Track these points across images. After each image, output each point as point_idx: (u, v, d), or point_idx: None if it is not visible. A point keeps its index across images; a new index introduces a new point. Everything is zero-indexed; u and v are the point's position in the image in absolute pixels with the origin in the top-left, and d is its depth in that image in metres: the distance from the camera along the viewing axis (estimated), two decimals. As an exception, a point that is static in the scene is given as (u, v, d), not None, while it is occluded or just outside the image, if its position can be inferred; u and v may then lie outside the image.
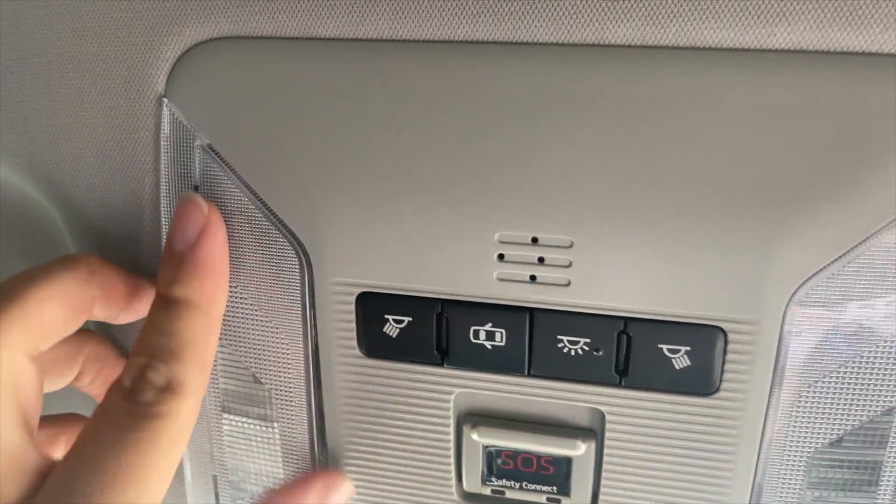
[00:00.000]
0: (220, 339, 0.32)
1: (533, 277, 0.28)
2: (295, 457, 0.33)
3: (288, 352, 0.31)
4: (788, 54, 0.24)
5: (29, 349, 0.26)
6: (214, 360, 0.32)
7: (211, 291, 0.28)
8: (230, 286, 0.31)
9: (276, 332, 0.31)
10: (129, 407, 0.25)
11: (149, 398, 0.25)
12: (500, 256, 0.28)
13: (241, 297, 0.31)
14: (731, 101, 0.25)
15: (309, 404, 0.32)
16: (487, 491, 0.32)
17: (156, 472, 0.25)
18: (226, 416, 0.33)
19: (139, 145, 0.30)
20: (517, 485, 0.32)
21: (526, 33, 0.26)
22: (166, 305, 0.27)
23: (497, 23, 0.26)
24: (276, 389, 0.32)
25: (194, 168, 0.30)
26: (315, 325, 0.31)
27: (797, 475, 0.28)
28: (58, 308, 0.27)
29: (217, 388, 0.33)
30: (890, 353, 0.26)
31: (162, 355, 0.26)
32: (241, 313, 0.31)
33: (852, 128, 0.24)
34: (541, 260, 0.27)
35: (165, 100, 0.30)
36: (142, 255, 0.32)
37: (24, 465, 0.25)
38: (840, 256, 0.25)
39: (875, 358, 0.26)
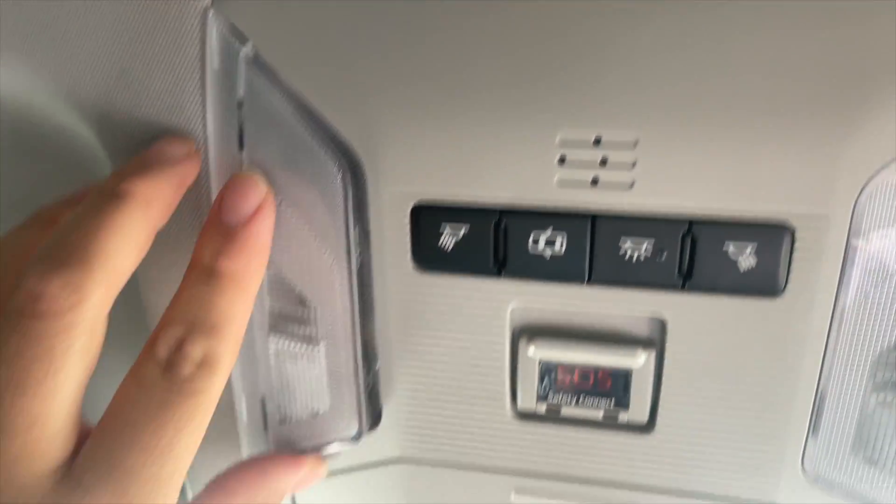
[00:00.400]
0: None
1: (595, 180, 0.27)
2: (340, 379, 0.32)
3: (333, 270, 0.31)
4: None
5: (107, 307, 0.25)
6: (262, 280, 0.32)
7: (255, 270, 0.28)
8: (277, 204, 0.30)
9: (321, 251, 0.31)
10: (167, 383, 0.25)
11: (186, 373, 0.25)
12: (561, 160, 0.27)
13: (285, 216, 0.30)
14: None
15: (353, 324, 0.31)
16: (542, 409, 0.32)
17: (189, 447, 0.25)
18: (272, 336, 0.33)
19: (186, 59, 0.30)
20: (573, 400, 0.31)
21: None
22: (208, 277, 0.27)
23: None
24: (321, 309, 0.31)
25: (239, 82, 0.30)
26: (360, 242, 0.30)
27: (861, 378, 0.28)
28: (133, 259, 0.26)
29: (263, 309, 0.32)
30: (961, 246, 0.26)
31: (202, 327, 0.26)
32: (286, 232, 0.31)
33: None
34: (603, 161, 0.27)
35: (211, 10, 0.29)
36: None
37: (72, 427, 0.25)
38: (913, 146, 0.25)
39: (945, 252, 0.26)
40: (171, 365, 0.25)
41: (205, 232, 0.28)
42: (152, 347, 0.25)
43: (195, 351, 0.25)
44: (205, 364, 0.25)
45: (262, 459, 0.32)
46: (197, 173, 0.29)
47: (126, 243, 0.25)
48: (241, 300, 0.27)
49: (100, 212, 0.25)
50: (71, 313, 0.24)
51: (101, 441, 0.25)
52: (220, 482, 0.30)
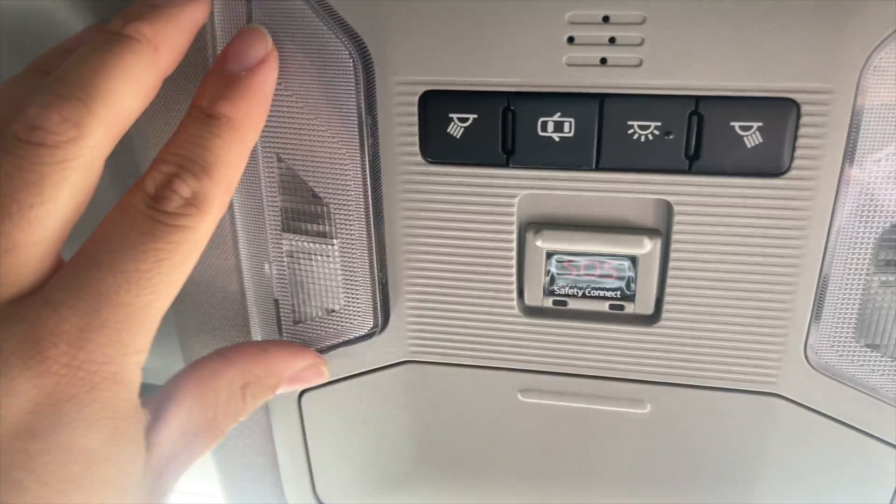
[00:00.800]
0: (279, 154, 0.31)
1: (604, 60, 0.27)
2: (355, 275, 0.32)
3: (346, 164, 0.31)
4: None
5: (106, 150, 0.25)
6: (272, 176, 0.32)
7: (255, 119, 0.28)
8: (285, 96, 0.30)
9: (333, 143, 0.31)
10: (152, 213, 0.25)
11: (173, 207, 0.25)
12: (570, 39, 0.27)
13: (296, 108, 0.30)
14: None
15: (367, 219, 0.31)
16: (549, 303, 0.32)
17: (168, 283, 0.25)
18: (286, 235, 0.33)
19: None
20: (580, 292, 0.32)
21: None
22: (206, 119, 0.26)
23: None
24: (335, 204, 0.32)
25: None
26: (373, 133, 0.30)
27: (865, 259, 0.29)
28: (138, 104, 0.26)
29: (275, 207, 0.32)
30: (963, 119, 0.26)
31: (193, 168, 0.25)
32: (297, 125, 0.31)
33: None
34: (612, 40, 0.27)
35: None
36: (188, 64, 0.31)
37: (50, 259, 0.24)
38: (916, 16, 0.25)
39: (947, 126, 0.26)
40: (158, 199, 0.25)
41: (206, 79, 0.28)
42: (142, 182, 0.25)
43: (183, 188, 0.25)
44: (193, 202, 0.25)
45: (265, 341, 0.32)
46: (207, 16, 0.28)
47: (131, 85, 0.25)
48: (237, 146, 0.27)
49: (105, 52, 0.25)
50: (68, 147, 0.23)
51: (76, 264, 0.24)
52: (221, 350, 0.30)
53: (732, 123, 0.27)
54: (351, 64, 0.29)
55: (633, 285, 0.31)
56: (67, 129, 0.23)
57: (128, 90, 0.25)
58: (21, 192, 0.23)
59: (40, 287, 0.24)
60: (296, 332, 0.34)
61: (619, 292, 0.31)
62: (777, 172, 0.28)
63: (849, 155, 0.27)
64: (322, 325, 0.34)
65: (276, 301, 0.35)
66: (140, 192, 0.25)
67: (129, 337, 0.24)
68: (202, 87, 0.27)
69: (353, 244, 0.32)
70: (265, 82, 0.28)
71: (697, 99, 0.27)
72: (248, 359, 0.31)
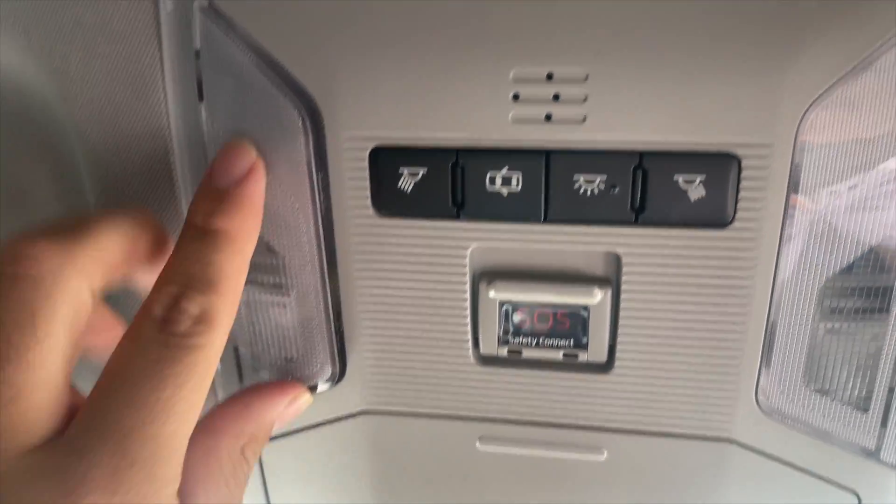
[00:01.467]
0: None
1: (549, 116, 0.28)
2: (311, 325, 0.32)
3: (299, 218, 0.31)
4: None
5: (93, 283, 0.25)
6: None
7: (250, 230, 0.28)
8: None
9: (285, 197, 0.31)
10: (164, 338, 0.24)
11: (184, 329, 0.24)
12: (515, 96, 0.28)
13: (250, 164, 0.31)
14: None
15: (322, 271, 0.32)
16: (504, 352, 0.32)
17: (191, 406, 0.24)
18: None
19: (140, 10, 0.30)
20: (534, 342, 0.32)
21: None
22: (203, 236, 0.27)
23: None
24: (290, 257, 0.32)
25: (195, 32, 0.30)
26: (324, 189, 0.30)
27: (810, 306, 0.29)
28: (123, 249, 0.27)
29: (229, 260, 0.32)
30: (898, 171, 0.27)
31: (198, 285, 0.25)
32: (251, 181, 0.31)
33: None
34: (556, 97, 0.28)
35: None
36: (144, 125, 0.32)
37: (60, 400, 0.24)
38: (848, 73, 0.26)
39: (884, 179, 0.27)
40: (167, 321, 0.24)
41: (196, 197, 0.28)
42: (148, 307, 0.25)
43: (192, 307, 0.25)
44: (202, 319, 0.25)
45: (242, 393, 0.31)
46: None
47: (116, 231, 0.26)
48: (237, 258, 0.27)
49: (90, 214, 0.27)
50: (53, 276, 0.23)
51: (96, 403, 0.24)
52: (205, 423, 0.30)
53: (676, 177, 0.28)
54: (300, 120, 0.29)
55: (585, 334, 0.31)
56: (50, 256, 0.24)
57: (115, 236, 0.27)
58: (16, 334, 0.23)
59: (59, 432, 0.23)
60: (256, 379, 0.34)
61: (572, 341, 0.32)
62: (721, 224, 0.28)
63: (790, 206, 0.28)
64: (282, 372, 0.34)
65: (236, 349, 0.35)
66: (148, 317, 0.25)
67: (160, 470, 0.23)
68: (194, 204, 0.28)
69: (307, 296, 0.32)
70: (255, 193, 0.28)
71: (641, 154, 0.28)
72: (235, 422, 0.30)
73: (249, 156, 0.29)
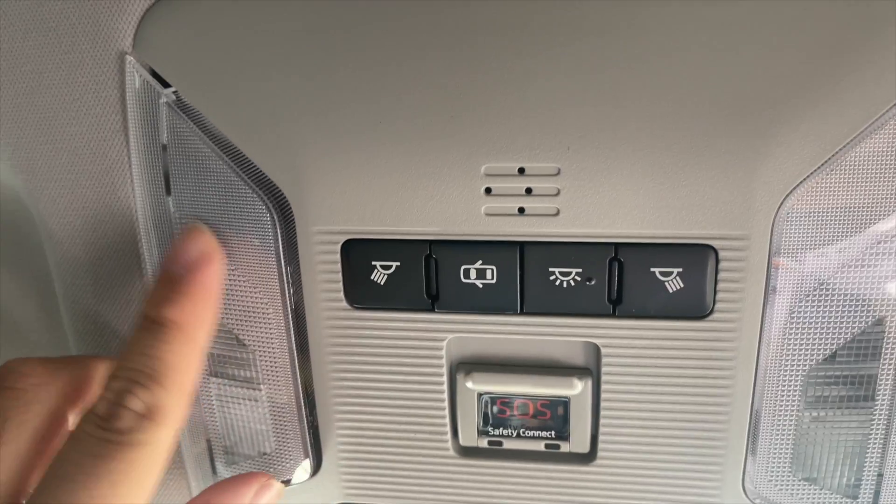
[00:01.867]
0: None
1: (521, 209, 0.27)
2: (284, 419, 0.32)
3: (268, 311, 0.30)
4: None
5: (73, 403, 0.27)
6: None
7: (202, 318, 0.27)
8: None
9: (255, 292, 0.30)
10: (103, 433, 0.24)
11: (125, 425, 0.24)
12: (488, 190, 0.27)
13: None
14: (704, 19, 0.25)
15: (293, 364, 0.31)
16: (484, 443, 0.31)
17: (129, 502, 0.23)
18: (213, 379, 0.32)
19: (105, 105, 0.29)
20: (514, 433, 0.31)
21: (501, -37, 0.26)
22: (153, 328, 0.26)
23: None
24: (260, 351, 0.31)
25: (161, 127, 0.29)
26: (294, 282, 0.30)
27: (794, 395, 0.28)
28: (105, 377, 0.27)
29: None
30: (877, 261, 0.26)
31: (143, 379, 0.25)
32: (221, 274, 0.30)
33: (824, 36, 0.25)
34: (528, 191, 0.27)
35: (129, 57, 0.29)
36: (112, 222, 0.31)
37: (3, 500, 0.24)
38: (822, 165, 0.26)
39: (863, 267, 0.27)
40: (108, 417, 0.24)
41: (153, 286, 0.27)
42: (93, 406, 0.24)
43: (135, 402, 0.24)
44: (147, 416, 0.24)
45: (205, 490, 0.30)
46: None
47: (103, 363, 0.28)
48: (187, 349, 0.26)
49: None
50: (34, 390, 0.25)
51: (32, 501, 0.23)
52: None
53: (653, 269, 0.27)
54: (268, 216, 0.29)
55: (567, 424, 0.31)
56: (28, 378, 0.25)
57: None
58: None
59: None
60: (230, 473, 0.33)
61: (553, 431, 0.31)
62: (700, 315, 0.28)
63: (769, 297, 0.27)
64: (256, 467, 0.33)
65: (209, 441, 0.34)
66: (91, 415, 0.24)
67: None
68: (149, 293, 0.27)
69: (280, 389, 0.31)
70: (210, 280, 0.27)
71: (616, 245, 0.27)
72: None
73: (204, 241, 0.28)
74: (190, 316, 0.26)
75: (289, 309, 0.30)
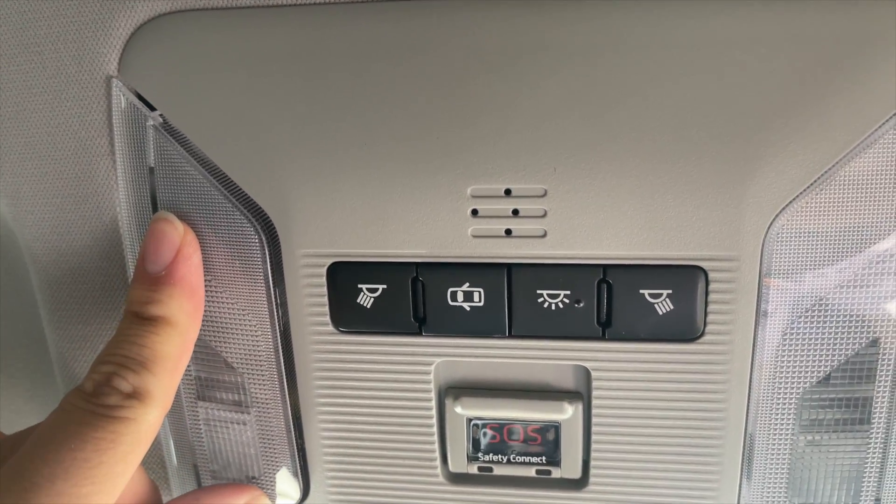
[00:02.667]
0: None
1: (508, 231, 0.27)
2: (272, 442, 0.31)
3: (256, 334, 0.30)
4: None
5: None
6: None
7: (189, 310, 0.27)
8: None
9: (243, 315, 0.30)
10: (91, 407, 0.24)
11: (112, 402, 0.24)
12: (474, 212, 0.27)
13: (205, 281, 0.30)
14: (690, 40, 0.25)
15: (282, 387, 0.30)
16: (474, 469, 0.31)
17: (111, 475, 0.24)
18: (201, 403, 0.31)
19: (91, 128, 0.29)
20: (504, 459, 0.30)
21: (485, -15, 0.26)
22: (140, 322, 0.26)
23: None
24: (248, 374, 0.30)
25: (148, 149, 0.29)
26: (282, 304, 0.29)
27: (788, 419, 0.28)
28: None
29: (190, 376, 0.31)
30: (869, 281, 0.26)
31: (131, 364, 0.25)
32: (208, 297, 0.30)
33: (811, 57, 0.24)
34: (515, 212, 0.27)
35: (116, 80, 0.29)
36: (97, 245, 0.31)
37: None
38: (810, 185, 0.25)
39: (855, 287, 0.26)
40: (96, 394, 0.24)
41: (132, 284, 0.27)
42: (80, 384, 0.25)
43: (123, 384, 0.24)
44: (133, 396, 0.24)
45: (196, 491, 0.30)
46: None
47: None
48: (176, 339, 0.26)
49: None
50: None
51: (14, 461, 0.23)
52: None
53: (642, 291, 0.27)
54: (256, 238, 0.28)
55: (558, 449, 0.30)
56: None
57: None
58: None
59: None
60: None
61: (544, 457, 0.30)
62: (691, 337, 0.27)
63: (760, 318, 0.27)
64: (243, 493, 0.33)
65: (195, 466, 0.33)
66: (78, 391, 0.24)
67: None
68: (130, 292, 0.27)
69: (268, 413, 0.31)
70: (189, 272, 0.28)
71: (605, 267, 0.27)
72: None
73: (174, 234, 0.28)
74: (178, 311, 0.27)
75: (277, 331, 0.30)
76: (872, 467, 0.28)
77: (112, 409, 0.24)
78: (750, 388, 0.28)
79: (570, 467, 0.30)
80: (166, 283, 0.27)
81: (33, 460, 0.23)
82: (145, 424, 0.24)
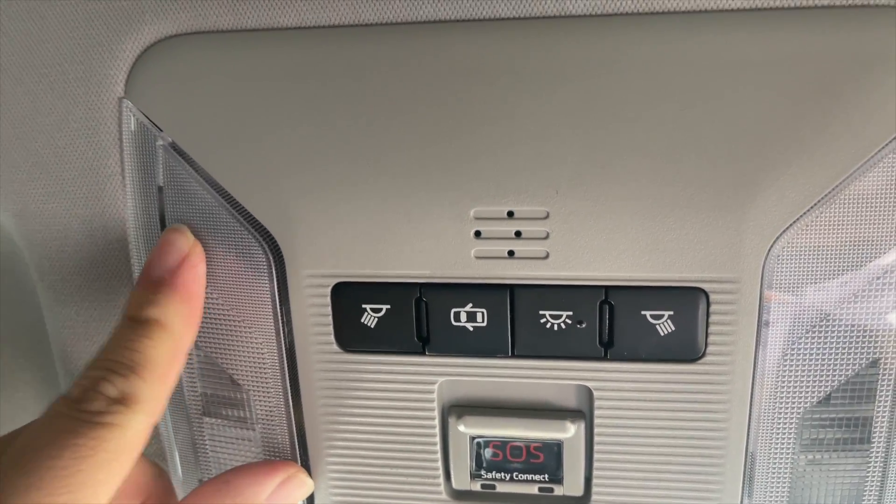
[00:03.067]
0: (197, 341, 0.30)
1: (511, 252, 0.27)
2: (277, 459, 0.31)
3: (262, 352, 0.30)
4: (748, 13, 0.25)
5: None
6: (191, 363, 0.31)
7: (185, 317, 0.27)
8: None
9: (250, 332, 0.30)
10: (74, 413, 0.23)
11: (97, 407, 0.24)
12: (477, 233, 0.27)
13: (212, 299, 0.30)
14: (692, 63, 0.25)
15: (287, 405, 0.31)
16: (477, 486, 0.31)
17: (90, 483, 0.23)
18: (206, 419, 0.32)
19: (100, 149, 0.30)
20: (507, 476, 0.31)
21: (488, 9, 0.26)
22: (134, 325, 0.26)
23: (459, 0, 0.26)
24: (254, 391, 0.31)
25: (157, 169, 0.30)
26: (288, 323, 0.30)
27: (789, 438, 0.28)
28: None
29: (196, 392, 0.31)
30: (870, 301, 0.26)
31: (120, 369, 0.25)
32: (214, 314, 0.30)
33: (811, 81, 0.25)
34: (518, 234, 0.27)
35: (125, 101, 0.29)
36: (105, 264, 0.31)
37: None
38: (811, 208, 0.25)
39: (856, 308, 0.26)
40: (82, 400, 0.24)
41: (133, 290, 0.27)
42: (68, 391, 0.24)
43: (110, 389, 0.24)
44: (121, 401, 0.24)
45: (225, 473, 0.30)
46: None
47: None
48: (168, 345, 0.26)
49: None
50: None
51: None
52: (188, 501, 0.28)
53: (643, 312, 0.27)
54: (264, 257, 0.29)
55: (560, 468, 0.30)
56: None
57: None
58: None
59: None
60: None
61: (547, 475, 0.30)
62: (692, 358, 0.27)
63: (761, 339, 0.27)
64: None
65: (201, 482, 0.33)
66: (64, 397, 0.24)
67: None
68: (131, 296, 0.27)
69: (273, 429, 0.31)
70: (191, 280, 0.28)
71: (606, 289, 0.27)
72: (211, 499, 0.28)
73: (185, 241, 0.28)
74: (172, 315, 0.27)
75: (283, 349, 0.30)
76: (872, 486, 0.28)
77: (95, 414, 0.23)
78: (751, 407, 0.28)
79: (572, 485, 0.30)
80: (165, 286, 0.27)
81: (11, 470, 0.22)
82: (131, 431, 0.24)
